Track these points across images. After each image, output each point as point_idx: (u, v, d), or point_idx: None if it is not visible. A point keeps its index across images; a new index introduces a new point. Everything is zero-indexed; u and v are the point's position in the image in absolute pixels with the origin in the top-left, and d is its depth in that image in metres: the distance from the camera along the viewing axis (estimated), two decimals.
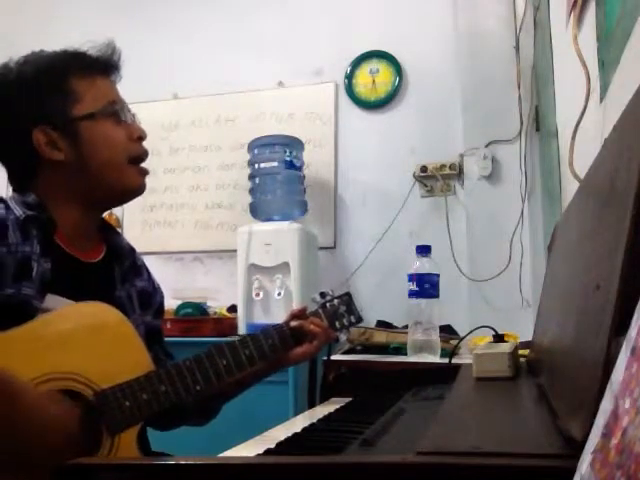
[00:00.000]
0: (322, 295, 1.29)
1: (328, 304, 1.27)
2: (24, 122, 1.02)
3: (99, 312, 0.98)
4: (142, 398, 0.93)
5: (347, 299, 1.30)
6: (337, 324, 1.26)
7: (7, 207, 0.99)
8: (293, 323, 1.18)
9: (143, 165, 1.10)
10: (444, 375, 1.08)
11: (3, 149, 1.07)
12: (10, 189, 1.07)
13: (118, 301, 1.08)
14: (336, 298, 1.29)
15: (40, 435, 0.82)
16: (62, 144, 1.02)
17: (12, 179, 1.07)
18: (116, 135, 1.06)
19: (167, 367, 0.99)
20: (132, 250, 1.19)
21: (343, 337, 1.31)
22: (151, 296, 1.19)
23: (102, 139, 1.04)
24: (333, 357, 1.67)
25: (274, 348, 1.13)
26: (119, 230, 2.91)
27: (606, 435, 0.31)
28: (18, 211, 0.99)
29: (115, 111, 1.06)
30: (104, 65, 1.08)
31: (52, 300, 0.96)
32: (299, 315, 1.21)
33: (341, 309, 1.28)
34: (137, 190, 1.10)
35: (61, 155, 1.02)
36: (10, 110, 1.03)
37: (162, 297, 1.23)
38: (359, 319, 1.30)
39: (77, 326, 0.95)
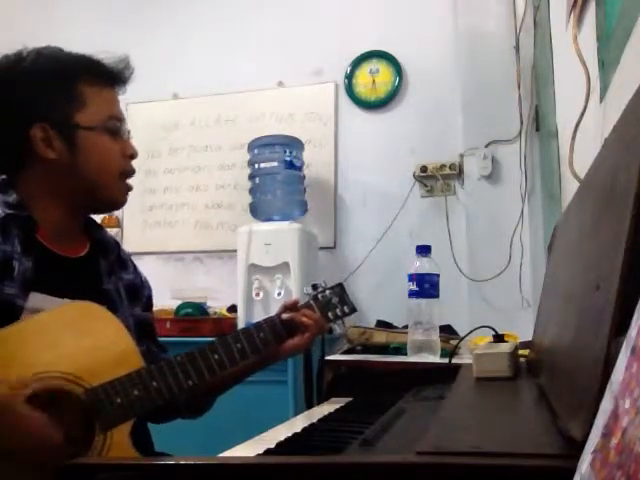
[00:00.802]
0: (314, 287, 1.28)
1: (320, 295, 1.26)
2: (25, 114, 1.02)
3: (88, 311, 0.98)
4: (133, 394, 0.93)
5: (339, 290, 1.29)
6: (330, 315, 1.25)
7: None
8: (285, 315, 1.18)
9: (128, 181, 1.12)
10: (444, 375, 1.07)
11: None
12: None
13: (106, 294, 1.09)
14: (328, 289, 1.28)
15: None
16: (57, 144, 1.02)
17: None
18: (112, 149, 1.07)
19: (159, 363, 0.99)
20: (116, 243, 1.19)
21: (337, 328, 1.30)
22: (139, 289, 1.19)
23: (98, 150, 1.05)
24: (333, 357, 1.67)
25: (266, 341, 1.13)
26: (119, 230, 2.91)
27: (606, 435, 0.31)
28: None
29: (116, 127, 1.08)
30: (114, 78, 1.09)
31: (36, 298, 0.96)
32: (291, 307, 1.21)
33: (334, 300, 1.27)
34: (119, 205, 1.13)
35: (54, 154, 1.02)
36: (14, 99, 1.03)
37: (150, 290, 1.24)
38: (353, 309, 1.29)
39: (66, 325, 0.96)
